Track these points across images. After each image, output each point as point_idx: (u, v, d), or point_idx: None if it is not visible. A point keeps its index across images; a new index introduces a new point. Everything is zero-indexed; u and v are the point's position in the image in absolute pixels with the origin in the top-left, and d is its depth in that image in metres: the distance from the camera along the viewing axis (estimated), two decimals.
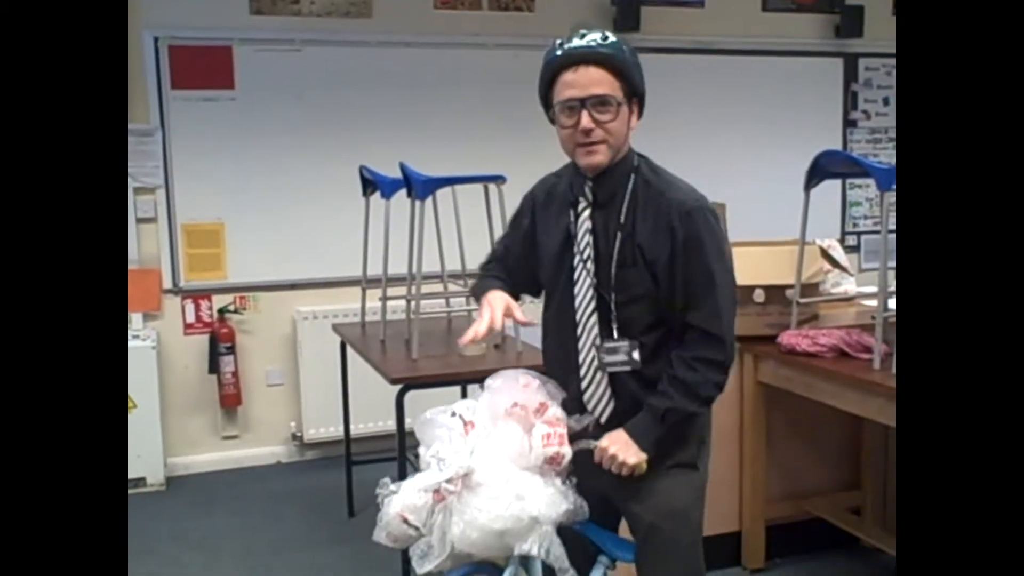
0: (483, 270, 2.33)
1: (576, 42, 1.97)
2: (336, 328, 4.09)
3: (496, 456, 1.97)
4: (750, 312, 3.41)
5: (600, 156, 2.01)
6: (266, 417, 4.99)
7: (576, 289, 2.07)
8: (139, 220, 4.67)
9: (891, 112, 5.79)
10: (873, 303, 3.73)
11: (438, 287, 3.89)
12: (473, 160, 4.35)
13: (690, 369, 2.00)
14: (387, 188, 3.64)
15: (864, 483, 3.63)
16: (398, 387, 3.06)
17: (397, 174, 3.48)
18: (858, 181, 5.71)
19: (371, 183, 3.85)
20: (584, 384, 2.08)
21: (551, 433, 1.98)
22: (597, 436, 2.05)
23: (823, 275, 3.67)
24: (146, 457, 4.58)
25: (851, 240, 5.77)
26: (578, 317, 2.07)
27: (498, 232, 3.46)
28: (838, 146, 5.66)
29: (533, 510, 1.93)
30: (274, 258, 4.85)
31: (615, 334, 2.04)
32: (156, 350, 4.58)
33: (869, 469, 3.61)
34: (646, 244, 2.00)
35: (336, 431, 4.63)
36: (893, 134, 5.77)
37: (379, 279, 3.73)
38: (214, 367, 4.78)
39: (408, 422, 3.11)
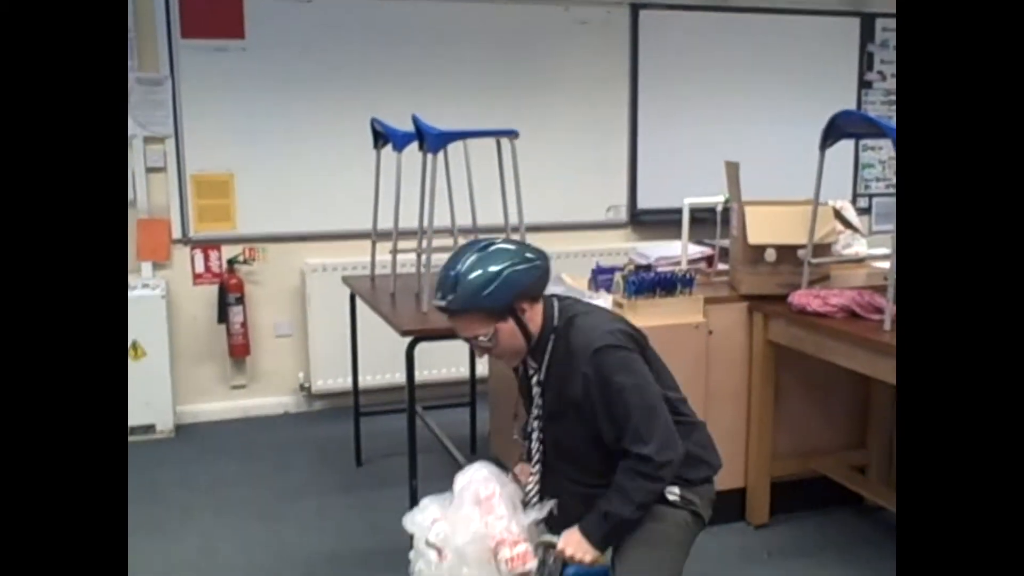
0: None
1: (435, 299, 2.25)
2: (346, 280, 4.10)
3: None
4: (761, 272, 3.42)
5: (509, 361, 2.36)
6: (274, 368, 5.02)
7: (532, 437, 2.41)
8: (148, 170, 4.65)
9: None
10: (884, 265, 3.74)
11: (448, 241, 3.89)
12: (485, 115, 4.34)
13: (626, 477, 2.21)
14: (399, 141, 3.62)
15: (870, 442, 3.65)
16: (407, 340, 3.07)
17: (409, 127, 3.46)
18: (871, 143, 5.68)
19: (382, 136, 3.83)
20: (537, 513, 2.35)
21: (513, 557, 2.20)
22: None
23: (835, 236, 3.66)
24: (155, 405, 4.62)
25: (863, 202, 5.74)
26: (531, 456, 2.41)
27: (510, 187, 3.46)
28: (853, 107, 5.61)
29: None
30: (283, 210, 4.85)
31: (555, 475, 2.37)
32: (165, 299, 4.60)
33: (875, 429, 3.63)
34: (569, 394, 2.25)
35: (344, 382, 4.65)
36: None
37: (389, 232, 3.73)
38: (223, 317, 4.80)
39: (416, 374, 3.13)
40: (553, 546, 2.25)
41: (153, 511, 3.78)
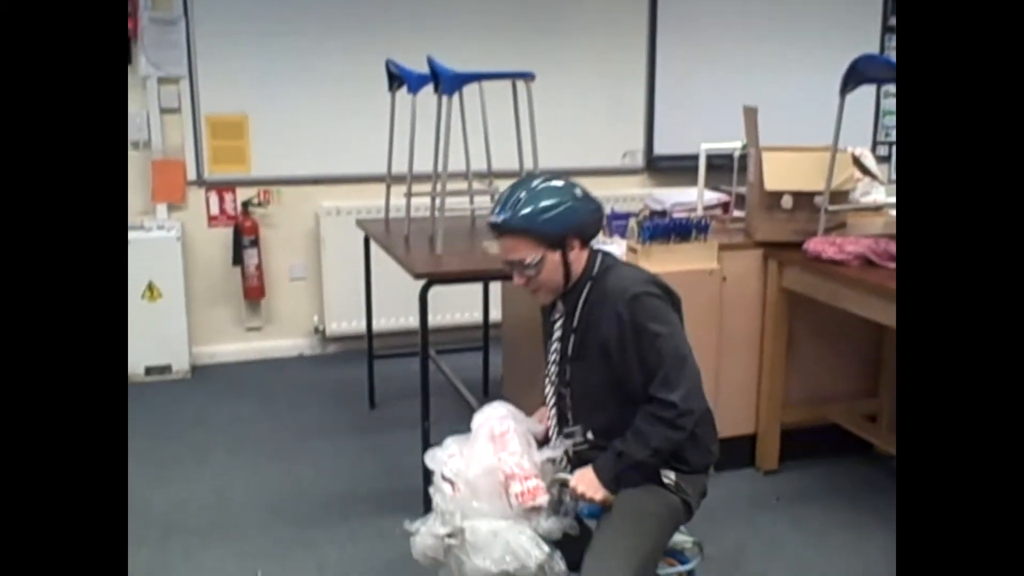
0: None
1: (491, 215, 2.28)
2: (360, 224, 4.09)
3: (484, 512, 2.25)
4: (778, 218, 3.39)
5: (542, 298, 2.36)
6: (289, 310, 5.05)
7: (545, 380, 2.44)
8: (163, 110, 4.64)
9: None
10: None
11: (463, 185, 3.88)
12: (501, 58, 4.28)
13: (646, 422, 2.23)
14: (414, 83, 3.59)
15: (881, 391, 3.65)
16: (421, 283, 3.08)
17: (424, 69, 3.43)
18: (893, 89, 5.58)
19: (397, 78, 3.79)
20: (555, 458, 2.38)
21: (524, 491, 2.23)
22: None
23: (853, 183, 3.62)
24: (171, 345, 4.66)
25: (883, 150, 5.66)
26: (546, 401, 2.44)
27: (525, 131, 3.43)
28: (875, 52, 5.51)
29: (522, 559, 2.20)
30: (298, 152, 4.83)
31: (571, 423, 2.38)
32: (181, 241, 4.62)
33: (887, 377, 3.63)
34: (600, 336, 2.26)
35: (358, 326, 4.67)
36: None
37: (404, 176, 3.72)
38: (238, 259, 4.82)
39: (430, 318, 3.14)
40: (566, 484, 2.28)
41: (169, 449, 3.84)
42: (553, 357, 2.39)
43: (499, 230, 2.26)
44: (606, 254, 2.40)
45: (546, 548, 2.25)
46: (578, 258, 2.30)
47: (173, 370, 4.70)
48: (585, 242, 2.31)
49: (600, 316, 2.27)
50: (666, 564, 2.50)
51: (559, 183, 2.28)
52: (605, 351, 2.26)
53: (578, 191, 2.29)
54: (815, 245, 3.20)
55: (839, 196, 3.42)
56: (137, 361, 4.61)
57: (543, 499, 2.24)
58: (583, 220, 2.28)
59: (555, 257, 2.26)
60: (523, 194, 2.24)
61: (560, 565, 2.25)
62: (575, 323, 2.33)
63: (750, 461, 3.60)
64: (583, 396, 2.36)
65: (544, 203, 2.22)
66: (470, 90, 3.69)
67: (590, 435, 2.36)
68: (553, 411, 2.42)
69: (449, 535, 2.26)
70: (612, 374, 2.28)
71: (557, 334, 2.38)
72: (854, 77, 3.12)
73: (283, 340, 5.08)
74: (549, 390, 2.42)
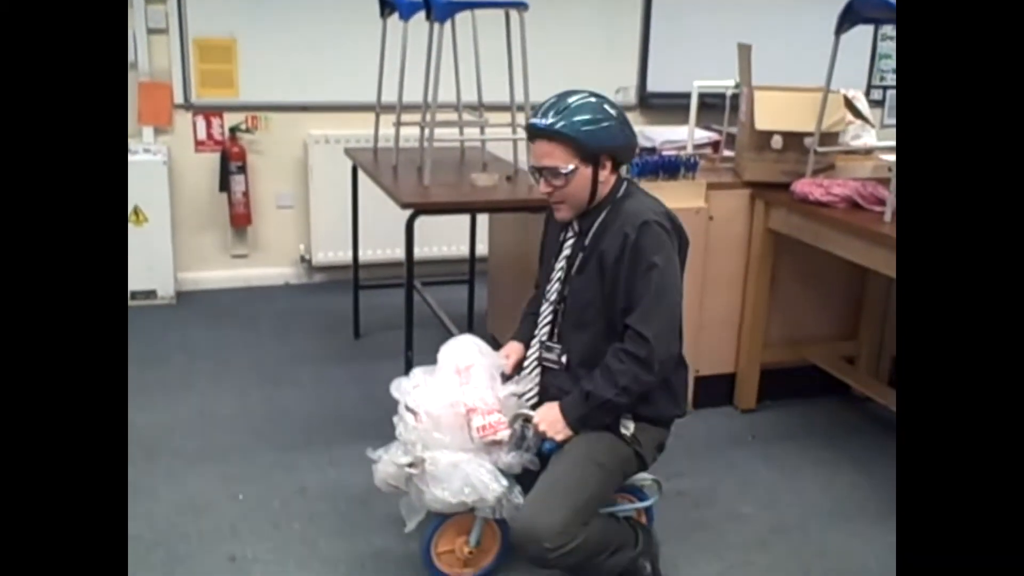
0: (524, 309, 2.65)
1: (533, 118, 2.29)
2: (348, 152, 4.06)
3: (445, 444, 2.29)
4: (766, 159, 3.39)
5: (563, 213, 2.37)
6: (275, 238, 5.03)
7: (544, 299, 2.46)
8: (149, 31, 4.55)
9: None
10: (892, 157, 3.70)
11: (453, 116, 3.84)
12: None
13: (616, 359, 2.24)
14: (405, 9, 3.53)
15: (861, 333, 3.69)
16: (408, 214, 3.07)
17: None
18: (890, 32, 5.53)
19: (389, 4, 3.73)
20: (525, 371, 2.47)
21: (486, 426, 2.27)
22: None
23: (844, 125, 3.61)
24: (157, 270, 4.65)
25: (876, 94, 5.63)
26: (539, 320, 2.46)
27: (517, 64, 3.39)
28: None
29: (480, 492, 2.26)
30: (287, 78, 4.76)
31: (556, 339, 2.42)
32: (167, 165, 4.57)
33: (868, 320, 3.66)
34: (603, 255, 2.29)
35: (344, 256, 4.66)
36: None
37: (393, 105, 3.68)
38: (224, 186, 4.78)
39: (416, 251, 3.14)
40: (529, 420, 2.30)
41: (154, 374, 3.85)
42: (557, 275, 2.42)
43: (539, 134, 2.27)
44: (630, 181, 2.42)
45: (505, 482, 2.29)
46: (607, 180, 2.32)
47: (158, 295, 4.70)
48: (616, 165, 2.34)
49: (609, 234, 2.30)
50: (624, 500, 2.55)
51: (604, 102, 2.30)
52: (602, 266, 2.29)
53: (620, 115, 2.31)
54: (802, 187, 3.20)
55: (829, 138, 3.41)
56: None
57: (504, 433, 2.28)
58: (620, 143, 2.30)
59: (586, 172, 2.28)
60: (569, 102, 2.25)
61: (518, 499, 2.29)
62: (586, 242, 2.35)
63: (728, 400, 3.64)
64: (572, 312, 2.38)
65: (587, 115, 2.25)
66: (463, 19, 3.63)
67: (564, 359, 2.39)
68: (545, 329, 2.44)
69: (410, 464, 2.30)
70: (603, 291, 2.30)
71: (566, 252, 2.40)
72: (850, 16, 3.08)
73: (269, 268, 5.07)
74: (546, 308, 2.45)
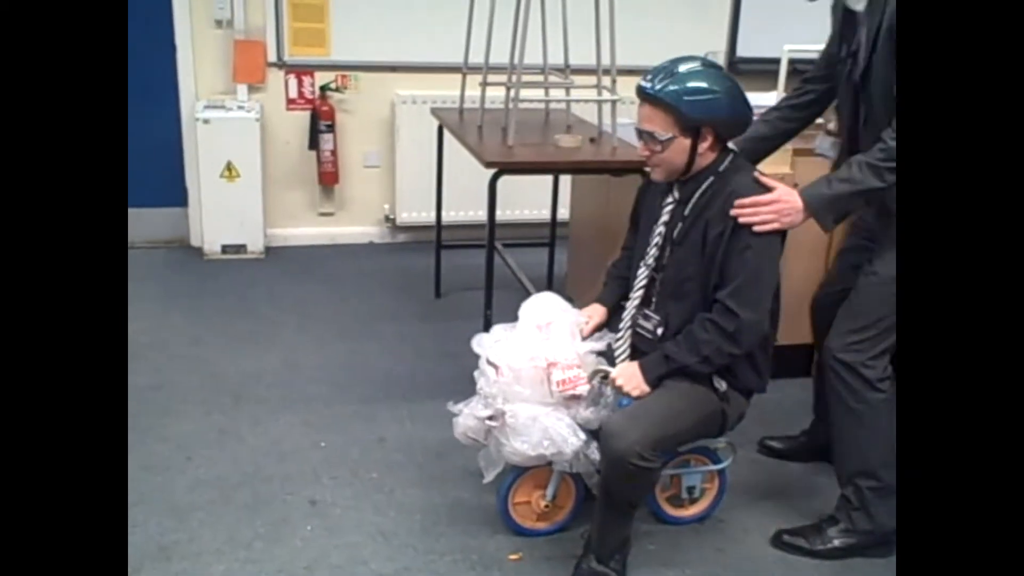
0: (608, 271, 2.68)
1: (642, 80, 2.28)
2: (435, 112, 4.10)
3: (525, 397, 2.33)
4: None
5: (658, 175, 2.38)
6: (361, 197, 5.12)
7: (640, 263, 2.45)
8: None
9: None
10: None
11: (539, 78, 3.84)
12: None
13: (702, 328, 2.27)
14: None
15: None
16: (491, 173, 3.09)
17: None
18: None
19: None
20: (618, 336, 2.46)
21: (565, 380, 2.30)
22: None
23: None
24: (247, 225, 4.79)
25: None
26: (633, 283, 2.46)
27: (604, 25, 3.37)
28: None
29: (558, 445, 2.31)
30: (377, 38, 4.81)
31: (653, 307, 2.41)
32: (260, 123, 4.68)
33: None
34: (707, 225, 2.28)
35: (428, 216, 4.73)
36: None
37: (480, 67, 3.70)
38: (314, 144, 4.88)
39: (498, 213, 3.17)
40: (607, 376, 2.32)
41: (241, 325, 3.98)
42: (655, 240, 2.42)
43: (643, 96, 2.28)
44: (739, 156, 2.40)
45: (583, 436, 2.33)
46: (707, 152, 2.30)
47: (248, 250, 4.83)
48: (719, 138, 2.31)
49: (713, 209, 2.29)
50: (698, 463, 2.57)
51: (718, 74, 2.28)
52: (705, 239, 2.29)
53: (733, 88, 2.27)
54: None
55: None
56: (214, 239, 4.76)
57: (583, 388, 2.31)
58: (725, 116, 2.27)
59: (684, 142, 2.27)
60: (679, 69, 2.24)
61: (595, 454, 2.33)
62: (687, 211, 2.34)
63: (806, 371, 3.58)
64: (671, 282, 2.39)
65: (693, 85, 2.23)
66: None
67: (660, 331, 2.39)
68: (639, 293, 2.45)
69: (490, 417, 2.35)
70: (704, 266, 2.30)
71: (665, 218, 2.40)
72: None
73: (354, 227, 5.17)
74: (643, 271, 2.45)
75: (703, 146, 2.28)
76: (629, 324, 2.46)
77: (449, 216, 4.65)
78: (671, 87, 2.22)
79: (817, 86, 2.66)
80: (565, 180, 4.39)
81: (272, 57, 4.77)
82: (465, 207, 4.83)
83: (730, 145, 2.37)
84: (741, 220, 2.24)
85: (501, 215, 3.15)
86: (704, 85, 2.23)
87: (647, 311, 2.44)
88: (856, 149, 2.39)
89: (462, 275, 4.42)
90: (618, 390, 2.30)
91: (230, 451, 2.98)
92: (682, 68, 2.24)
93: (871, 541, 2.54)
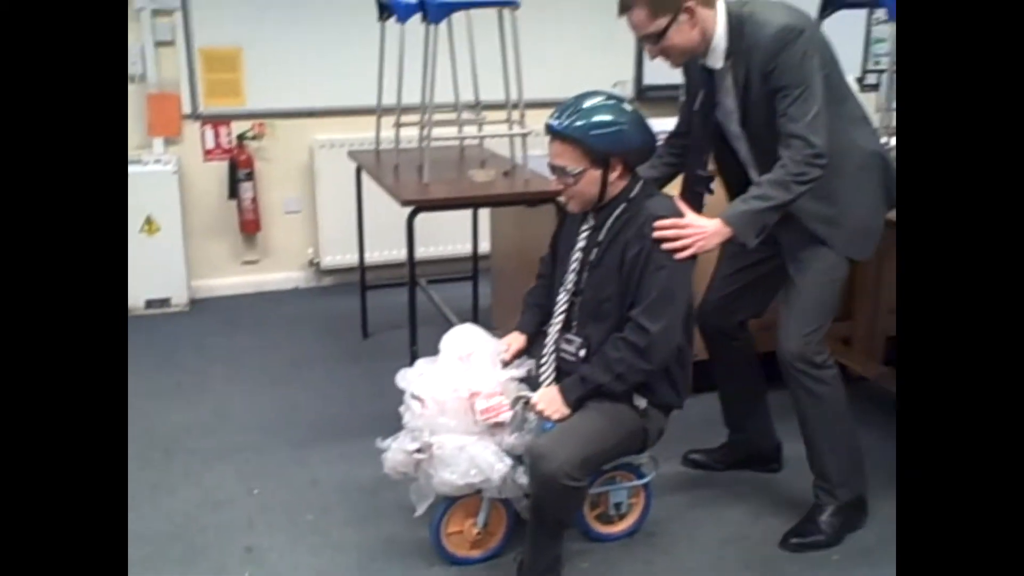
0: (525, 299, 2.78)
1: (549, 118, 2.39)
2: (352, 155, 4.15)
3: (451, 428, 2.40)
4: None
5: (573, 206, 2.49)
6: (285, 243, 5.12)
7: (560, 289, 2.54)
8: (157, 43, 4.64)
9: None
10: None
11: (452, 116, 3.93)
12: None
13: (614, 347, 2.36)
14: (402, 12, 3.61)
15: (856, 314, 3.74)
16: (409, 211, 3.15)
17: None
18: (883, 16, 5.54)
19: (386, 7, 3.82)
20: (542, 362, 2.54)
21: (488, 408, 2.37)
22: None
23: None
24: (170, 279, 4.74)
25: (871, 78, 5.67)
26: (554, 309, 2.54)
27: (511, 61, 3.47)
28: None
29: (486, 472, 2.37)
30: (292, 85, 4.85)
31: (574, 330, 2.49)
32: (177, 175, 4.67)
33: (861, 300, 3.70)
34: (622, 249, 2.39)
35: (352, 258, 4.74)
36: None
37: (394, 108, 3.77)
38: (234, 193, 4.88)
39: (419, 250, 3.23)
40: (528, 401, 2.39)
41: (170, 378, 3.96)
42: (574, 266, 2.51)
43: (552, 133, 2.39)
44: (648, 182, 2.52)
45: (509, 461, 2.39)
46: (616, 181, 2.42)
47: (172, 303, 4.79)
48: (628, 167, 2.42)
49: (628, 232, 2.40)
50: (624, 479, 2.64)
51: (621, 106, 2.39)
52: (622, 262, 2.39)
53: (636, 119, 2.39)
54: None
55: None
56: (137, 294, 4.70)
57: (506, 415, 2.38)
58: (631, 146, 2.39)
59: (595, 174, 2.38)
60: (584, 105, 2.35)
61: (522, 478, 2.39)
62: (602, 235, 2.45)
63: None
64: (590, 304, 2.48)
65: (598, 119, 2.34)
66: (459, 21, 3.72)
67: (582, 353, 2.47)
68: (560, 318, 2.53)
69: (418, 450, 2.39)
70: (621, 286, 2.40)
71: (581, 244, 2.50)
72: (831, 2, 3.15)
73: (279, 273, 5.16)
74: (563, 296, 2.53)
75: (613, 175, 2.39)
76: (552, 349, 2.54)
77: (373, 256, 4.69)
78: (578, 123, 2.33)
79: (686, 140, 2.83)
80: (484, 214, 4.47)
81: (187, 109, 4.78)
82: (388, 247, 4.86)
83: (638, 171, 2.48)
84: (664, 244, 2.35)
85: (424, 252, 3.22)
86: (609, 118, 2.35)
87: (569, 335, 2.52)
88: (746, 180, 2.59)
89: (389, 314, 4.45)
90: (540, 414, 2.37)
91: (163, 505, 2.96)
92: (587, 103, 2.36)
93: (856, 510, 2.75)
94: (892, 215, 2.64)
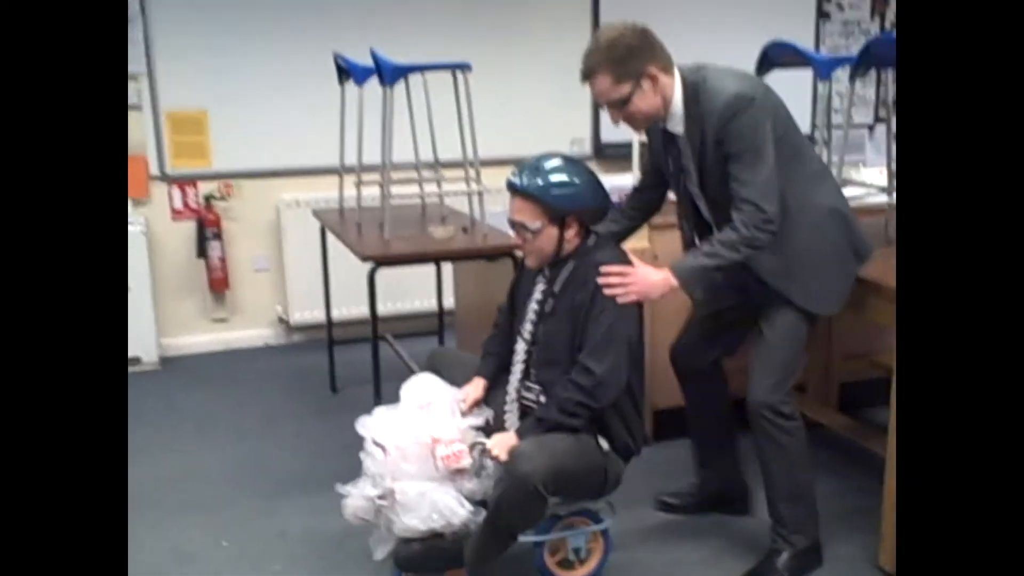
0: (483, 347, 2.87)
1: (511, 175, 2.52)
2: (316, 214, 4.27)
3: (412, 474, 2.47)
4: None
5: (531, 261, 2.62)
6: (253, 301, 5.21)
7: (518, 339, 2.66)
8: None
9: (864, 5, 5.85)
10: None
11: (412, 174, 4.05)
12: (450, 49, 4.42)
13: (563, 388, 2.48)
14: (359, 75, 3.76)
15: (810, 361, 3.84)
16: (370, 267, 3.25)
17: (371, 62, 3.60)
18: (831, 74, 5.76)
19: (345, 71, 3.96)
20: (506, 409, 2.67)
21: (448, 455, 2.47)
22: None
23: None
24: (140, 338, 4.80)
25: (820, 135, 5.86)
26: (513, 359, 2.67)
27: (466, 121, 3.61)
28: (811, 39, 5.75)
29: (447, 516, 2.45)
30: (257, 146, 4.98)
31: (533, 378, 2.62)
32: (146, 235, 4.76)
33: (815, 347, 3.81)
34: (573, 298, 2.51)
35: (320, 315, 4.81)
36: (866, 27, 5.84)
37: (356, 167, 3.89)
38: (202, 252, 4.97)
39: (387, 306, 3.32)
40: (486, 448, 2.48)
41: (139, 434, 3.97)
42: (530, 317, 2.64)
43: (513, 191, 2.52)
44: (600, 236, 2.64)
45: (470, 507, 2.46)
46: (572, 238, 2.55)
47: (143, 362, 4.84)
48: (583, 226, 2.56)
49: (579, 282, 2.53)
50: (582, 524, 2.72)
51: (578, 168, 2.54)
52: (574, 311, 2.51)
53: (592, 181, 2.54)
54: None
55: None
56: None
57: (466, 461, 2.47)
58: (587, 206, 2.53)
59: (552, 231, 2.52)
60: (544, 165, 2.50)
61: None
62: (555, 289, 2.58)
63: (684, 432, 3.77)
64: (545, 351, 2.59)
65: (557, 179, 2.49)
66: (416, 82, 3.87)
67: (542, 399, 2.57)
68: (520, 367, 2.65)
69: (380, 496, 2.46)
70: (571, 332, 2.52)
71: (538, 296, 2.62)
72: (766, 62, 3.32)
73: (248, 330, 5.24)
74: (520, 346, 2.65)
75: (569, 233, 2.54)
76: (515, 397, 2.66)
77: (341, 313, 4.78)
78: (538, 181, 2.48)
79: (650, 193, 2.98)
80: (448, 269, 4.58)
81: (155, 171, 4.89)
82: (355, 303, 4.91)
83: (593, 229, 2.61)
84: (606, 290, 2.47)
85: (392, 308, 3.32)
86: (566, 179, 2.50)
87: (528, 383, 2.63)
88: (706, 232, 2.73)
89: (356, 369, 4.51)
90: (496, 459, 2.45)
91: (132, 558, 2.96)
92: (547, 164, 2.52)
93: (811, 555, 2.82)
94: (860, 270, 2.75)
